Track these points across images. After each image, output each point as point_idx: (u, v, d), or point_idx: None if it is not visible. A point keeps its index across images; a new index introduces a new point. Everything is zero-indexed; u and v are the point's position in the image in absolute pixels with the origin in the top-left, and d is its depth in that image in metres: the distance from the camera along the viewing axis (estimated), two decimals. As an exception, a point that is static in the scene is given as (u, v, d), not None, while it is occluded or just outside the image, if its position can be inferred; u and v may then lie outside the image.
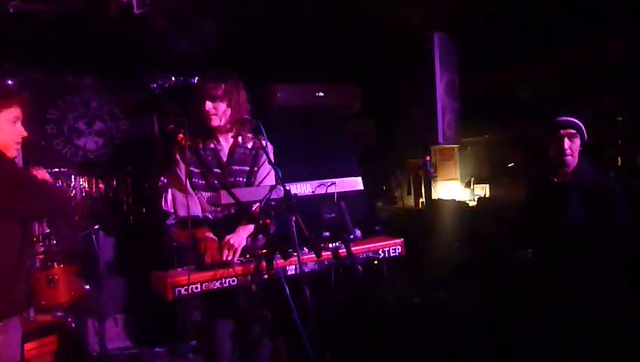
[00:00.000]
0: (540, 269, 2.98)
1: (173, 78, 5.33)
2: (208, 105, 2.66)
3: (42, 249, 4.07)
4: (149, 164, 5.05)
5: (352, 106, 5.58)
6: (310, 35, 4.79)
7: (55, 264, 3.68)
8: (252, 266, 2.25)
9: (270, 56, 5.28)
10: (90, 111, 4.97)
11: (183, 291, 2.15)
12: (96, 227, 4.28)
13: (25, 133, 2.25)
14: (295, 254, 2.23)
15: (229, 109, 2.70)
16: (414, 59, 3.72)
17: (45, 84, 4.78)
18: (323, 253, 2.35)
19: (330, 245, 2.48)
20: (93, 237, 4.25)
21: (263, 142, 2.82)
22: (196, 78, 5.12)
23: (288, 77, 5.45)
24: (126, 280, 4.62)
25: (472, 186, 5.43)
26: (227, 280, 2.25)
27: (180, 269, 2.34)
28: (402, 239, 2.64)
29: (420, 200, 5.62)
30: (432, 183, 5.76)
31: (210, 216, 2.74)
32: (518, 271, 3.16)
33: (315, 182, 2.42)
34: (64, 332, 3.40)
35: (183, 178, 2.69)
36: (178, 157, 2.72)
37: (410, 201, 5.81)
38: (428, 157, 3.80)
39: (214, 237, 2.58)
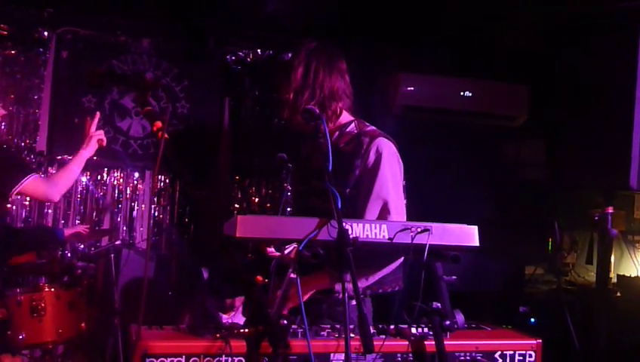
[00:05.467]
0: None
1: (259, 51, 5.38)
2: None
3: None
4: (209, 164, 5.00)
5: (516, 118, 5.44)
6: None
7: (45, 286, 3.65)
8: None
9: (398, 30, 5.13)
10: (143, 84, 5.06)
11: (157, 364, 2.00)
12: (117, 243, 4.25)
13: None
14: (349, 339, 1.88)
15: None
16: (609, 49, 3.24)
17: (89, 42, 4.88)
18: (397, 342, 2.16)
19: (414, 330, 2.24)
20: (112, 256, 4.20)
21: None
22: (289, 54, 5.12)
23: (421, 64, 5.26)
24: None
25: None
26: (228, 359, 2.03)
27: (171, 328, 2.22)
28: (539, 340, 2.34)
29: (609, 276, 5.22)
30: (632, 252, 5.29)
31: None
32: None
33: (397, 224, 2.16)
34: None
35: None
36: None
37: (591, 275, 5.42)
38: (610, 209, 3.29)
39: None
